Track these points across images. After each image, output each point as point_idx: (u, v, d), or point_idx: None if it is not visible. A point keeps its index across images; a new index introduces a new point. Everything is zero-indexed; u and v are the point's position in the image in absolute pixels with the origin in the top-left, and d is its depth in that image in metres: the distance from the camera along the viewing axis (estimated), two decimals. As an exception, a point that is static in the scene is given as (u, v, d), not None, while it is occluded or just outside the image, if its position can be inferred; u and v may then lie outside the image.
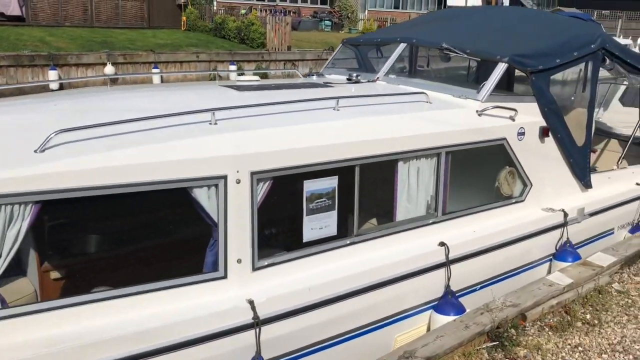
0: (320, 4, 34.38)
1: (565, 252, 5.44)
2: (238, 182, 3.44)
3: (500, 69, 5.00)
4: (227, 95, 4.69)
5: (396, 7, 37.01)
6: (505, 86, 5.73)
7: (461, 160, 4.69)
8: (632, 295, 5.07)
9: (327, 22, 32.03)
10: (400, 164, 4.27)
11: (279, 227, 4.40)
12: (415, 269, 4.27)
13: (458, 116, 4.70)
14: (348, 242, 4.03)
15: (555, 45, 5.38)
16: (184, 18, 25.17)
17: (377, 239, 4.22)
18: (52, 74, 15.91)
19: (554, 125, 5.32)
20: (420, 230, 4.44)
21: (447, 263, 4.42)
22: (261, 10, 28.08)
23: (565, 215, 5.40)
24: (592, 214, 5.79)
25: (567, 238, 5.44)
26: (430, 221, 4.52)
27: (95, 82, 13.03)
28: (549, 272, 5.40)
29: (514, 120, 4.94)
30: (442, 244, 4.44)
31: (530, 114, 5.15)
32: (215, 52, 20.49)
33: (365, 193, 4.23)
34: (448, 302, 4.46)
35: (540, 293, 4.68)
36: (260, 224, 3.58)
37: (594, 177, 5.92)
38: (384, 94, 4.86)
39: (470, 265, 4.64)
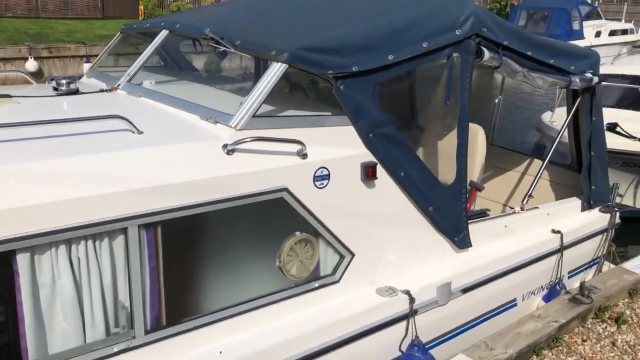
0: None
1: (410, 358, 3.47)
2: None
3: (275, 72, 3.00)
4: None
5: None
6: (315, 97, 3.73)
7: (201, 230, 2.76)
8: None
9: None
10: (21, 258, 2.33)
11: None
12: None
13: (184, 157, 2.73)
14: None
15: (389, 32, 3.36)
16: (141, 7, 23.34)
17: None
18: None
19: (390, 159, 3.35)
20: None
21: None
22: None
23: (411, 299, 3.43)
24: (468, 289, 3.81)
25: (415, 335, 3.47)
26: (114, 349, 2.58)
27: (16, 78, 11.35)
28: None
29: (304, 157, 2.97)
30: None
31: (343, 144, 3.18)
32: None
33: None
34: None
35: None
36: None
37: (477, 229, 3.94)
38: (63, 119, 2.86)
39: None
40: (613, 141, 7.86)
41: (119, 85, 3.63)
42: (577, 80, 4.42)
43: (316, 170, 3.05)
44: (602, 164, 4.92)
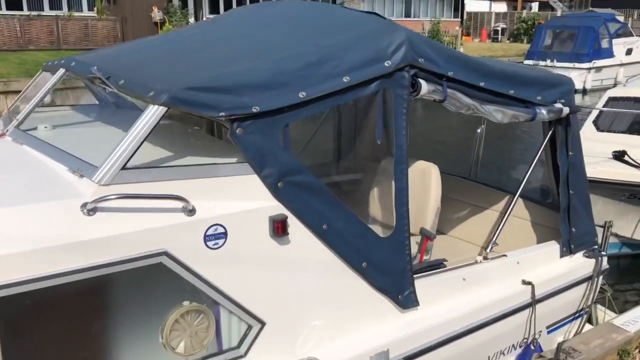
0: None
1: None
2: None
3: (150, 116, 2.62)
4: None
5: (407, 16, 34.34)
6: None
7: (54, 307, 2.40)
8: None
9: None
10: None
11: None
12: None
13: (33, 220, 2.36)
14: None
15: (301, 65, 2.96)
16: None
17: None
18: None
19: (307, 211, 2.94)
20: None
21: None
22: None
23: None
24: (412, 356, 3.33)
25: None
26: None
27: None
28: None
29: (190, 214, 2.58)
30: None
31: (245, 197, 2.78)
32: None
33: None
34: None
35: None
36: None
37: (428, 284, 3.49)
38: None
39: None
40: (620, 171, 7.27)
41: (7, 131, 3.30)
42: (544, 112, 3.93)
43: (207, 229, 2.65)
44: (583, 203, 4.39)
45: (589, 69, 26.63)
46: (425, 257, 3.99)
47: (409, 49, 3.19)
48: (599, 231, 4.82)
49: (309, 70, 2.95)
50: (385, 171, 3.84)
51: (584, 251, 4.46)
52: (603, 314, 5.22)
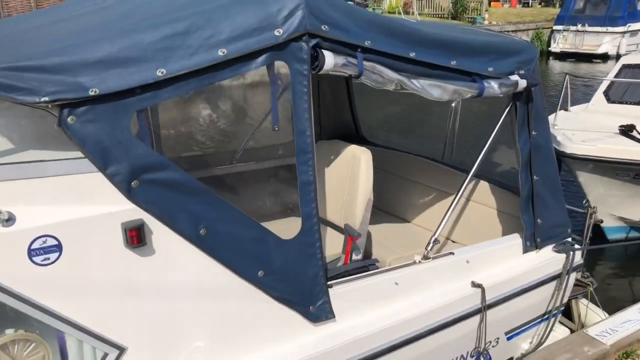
0: (345, -18, 31.17)
1: None
2: None
3: None
4: None
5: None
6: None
7: None
8: None
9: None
10: None
11: None
12: None
13: None
14: None
15: (161, 37, 2.43)
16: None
17: None
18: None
19: (175, 214, 2.46)
20: None
21: None
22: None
23: None
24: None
25: None
26: None
27: None
28: None
29: (5, 224, 2.15)
30: None
31: (88, 200, 2.32)
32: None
33: None
34: None
35: None
36: None
37: (349, 292, 3.01)
38: None
39: None
40: (624, 149, 6.57)
41: None
42: (495, 86, 3.33)
43: (32, 242, 2.19)
44: (551, 190, 3.79)
45: (624, 32, 25.26)
46: (356, 258, 3.49)
47: (306, 13, 2.63)
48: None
49: (173, 42, 2.42)
50: (288, 162, 3.32)
51: (553, 245, 3.88)
52: (586, 309, 4.64)
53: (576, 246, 3.93)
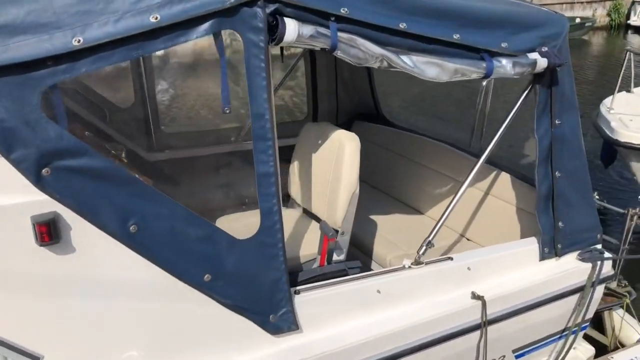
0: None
1: None
2: None
3: None
4: None
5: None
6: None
7: None
8: None
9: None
10: None
11: None
12: None
13: None
14: None
15: (72, 1, 2.05)
16: None
17: None
18: None
19: (97, 206, 2.15)
20: None
21: None
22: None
23: None
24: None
25: None
26: None
27: None
28: None
29: None
30: None
31: None
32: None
33: None
34: None
35: None
36: None
37: (320, 300, 2.66)
38: None
39: None
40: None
41: None
42: (508, 65, 2.80)
43: None
44: (578, 188, 3.24)
45: None
46: (338, 259, 3.08)
47: None
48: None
49: (94, 5, 2.05)
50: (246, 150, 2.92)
51: (578, 252, 3.34)
52: (621, 321, 4.07)
53: (606, 255, 3.37)
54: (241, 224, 3.46)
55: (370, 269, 3.89)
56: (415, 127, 5.01)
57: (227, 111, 2.38)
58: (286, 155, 3.72)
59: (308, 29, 2.32)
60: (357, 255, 4.03)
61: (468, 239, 4.00)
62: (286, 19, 2.27)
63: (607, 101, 6.81)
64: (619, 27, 26.30)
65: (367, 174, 4.96)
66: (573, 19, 23.66)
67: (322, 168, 3.26)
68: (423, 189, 4.39)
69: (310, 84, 5.07)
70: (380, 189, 4.81)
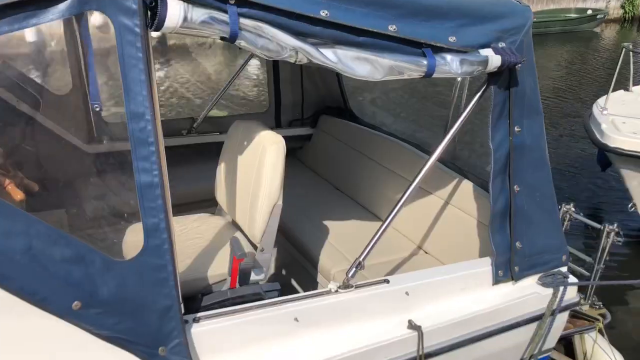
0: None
1: None
2: None
3: None
4: None
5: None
6: None
7: None
8: None
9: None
10: None
11: None
12: None
13: None
14: None
15: None
16: None
17: None
18: None
19: None
20: None
21: None
22: None
23: None
24: None
25: None
26: None
27: None
28: None
29: None
30: None
31: None
32: None
33: None
34: None
35: None
36: None
37: (223, 329, 2.30)
38: None
39: None
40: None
41: None
42: (454, 62, 2.40)
43: None
44: (539, 204, 2.85)
45: None
46: (256, 279, 2.71)
47: None
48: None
49: None
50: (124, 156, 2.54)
51: (539, 275, 2.96)
52: (592, 346, 3.69)
53: (571, 279, 2.98)
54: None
55: (316, 284, 3.53)
56: (386, 125, 4.63)
57: (97, 108, 2.00)
58: None
59: (199, 13, 1.93)
60: (305, 268, 3.67)
61: (426, 252, 3.63)
62: (166, 3, 1.88)
63: (600, 101, 6.34)
64: (633, 20, 25.57)
65: (331, 173, 4.59)
66: (584, 10, 23.00)
67: (246, 174, 2.89)
68: (385, 194, 4.02)
69: (272, 71, 4.68)
70: (343, 190, 4.43)
